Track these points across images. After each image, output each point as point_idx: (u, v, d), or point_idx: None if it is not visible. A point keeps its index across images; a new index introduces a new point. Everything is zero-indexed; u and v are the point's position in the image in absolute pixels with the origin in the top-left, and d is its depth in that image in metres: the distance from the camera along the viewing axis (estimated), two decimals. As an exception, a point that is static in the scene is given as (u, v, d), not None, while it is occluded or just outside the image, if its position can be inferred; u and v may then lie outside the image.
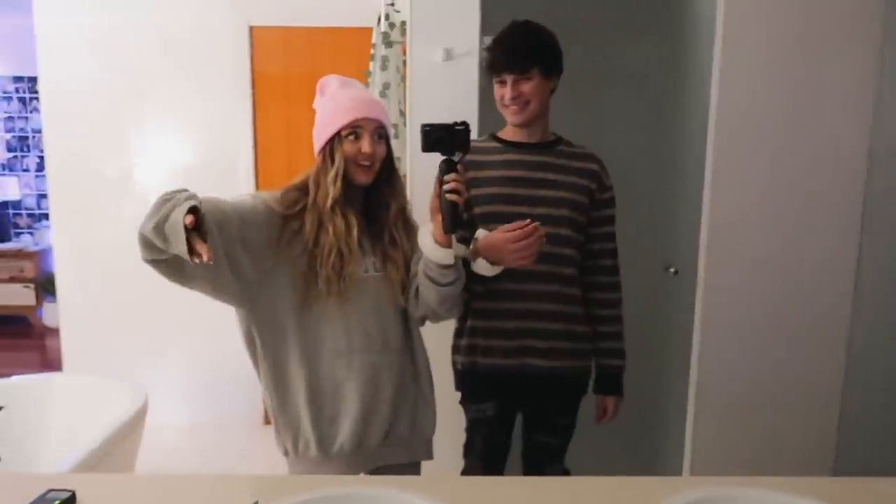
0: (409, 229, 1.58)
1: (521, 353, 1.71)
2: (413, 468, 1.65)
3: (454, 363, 1.79)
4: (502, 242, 1.52)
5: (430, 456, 1.66)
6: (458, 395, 1.83)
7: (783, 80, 2.05)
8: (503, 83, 1.66)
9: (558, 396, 1.78)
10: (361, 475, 1.57)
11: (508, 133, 1.76)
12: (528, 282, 1.66)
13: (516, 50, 1.64)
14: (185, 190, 1.34)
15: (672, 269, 2.39)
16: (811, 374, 2.15)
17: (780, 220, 2.10)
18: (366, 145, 1.48)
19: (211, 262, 1.25)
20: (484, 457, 1.77)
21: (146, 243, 1.32)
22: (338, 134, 1.49)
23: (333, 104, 1.51)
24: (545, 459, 1.79)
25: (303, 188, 1.53)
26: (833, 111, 2.06)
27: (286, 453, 1.58)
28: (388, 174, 1.57)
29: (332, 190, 1.47)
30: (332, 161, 1.49)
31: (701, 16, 2.24)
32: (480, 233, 1.60)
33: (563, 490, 1.24)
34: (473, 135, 1.88)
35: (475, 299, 1.72)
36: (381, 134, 1.52)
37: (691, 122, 2.32)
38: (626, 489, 1.23)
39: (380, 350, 1.54)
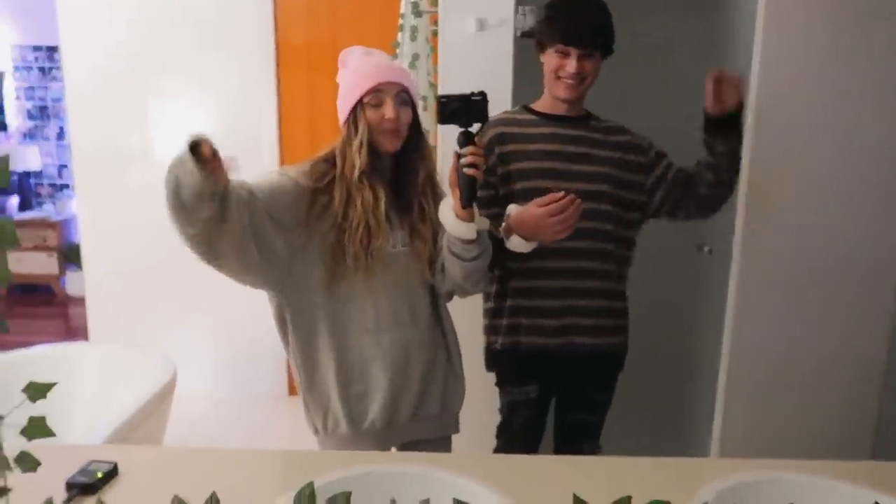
0: (438, 198, 1.54)
1: (566, 332, 1.70)
2: (443, 442, 1.65)
3: (490, 343, 1.77)
4: (537, 217, 1.48)
5: (457, 430, 1.67)
6: (481, 371, 1.81)
7: (827, 53, 1.98)
8: (565, 55, 1.60)
9: (599, 373, 1.77)
10: (396, 451, 1.57)
11: (544, 105, 1.72)
12: (570, 259, 1.64)
13: (589, 24, 1.60)
14: None
15: (706, 248, 2.35)
16: (849, 354, 2.12)
17: (818, 197, 2.05)
18: (389, 110, 1.45)
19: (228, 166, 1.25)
20: (522, 438, 1.76)
21: (174, 201, 1.30)
22: (360, 102, 1.45)
23: (355, 73, 1.48)
24: (582, 437, 1.79)
25: (330, 160, 1.50)
26: (879, 86, 1.99)
27: (316, 432, 1.58)
28: (415, 140, 1.53)
29: (357, 160, 1.45)
30: (356, 130, 1.46)
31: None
32: (512, 208, 1.57)
33: (604, 470, 1.23)
34: (506, 108, 1.85)
35: (513, 278, 1.69)
36: (404, 99, 1.48)
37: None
38: (667, 471, 1.22)
39: (409, 326, 1.53)
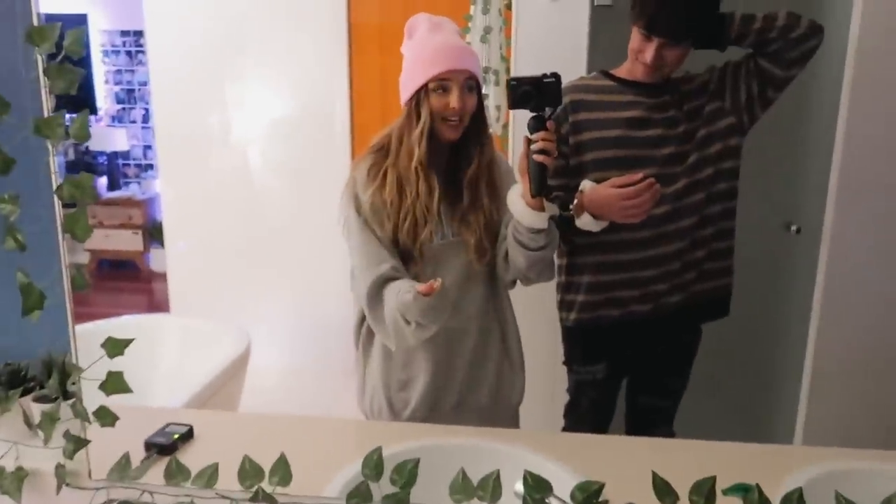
0: (493, 189, 1.49)
1: (656, 297, 1.62)
2: None
3: (562, 320, 1.72)
4: (613, 198, 1.43)
5: (515, 425, 1.60)
6: (554, 361, 1.76)
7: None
8: (648, 40, 1.51)
9: (674, 356, 1.70)
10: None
11: (626, 72, 1.62)
12: (654, 227, 1.54)
13: (677, 15, 1.49)
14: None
15: (794, 228, 2.22)
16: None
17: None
18: (454, 100, 1.39)
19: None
20: (590, 419, 1.71)
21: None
22: (424, 86, 1.39)
23: (421, 51, 1.42)
24: (654, 422, 1.72)
25: (383, 148, 1.47)
26: None
27: (365, 415, 1.58)
28: (477, 128, 1.47)
29: (416, 149, 1.39)
30: (419, 117, 1.40)
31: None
32: (586, 184, 1.50)
33: (683, 453, 1.17)
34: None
35: (588, 252, 1.62)
36: (470, 86, 1.42)
37: (825, 68, 2.11)
38: (750, 457, 1.16)
39: (455, 318, 1.47)
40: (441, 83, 1.39)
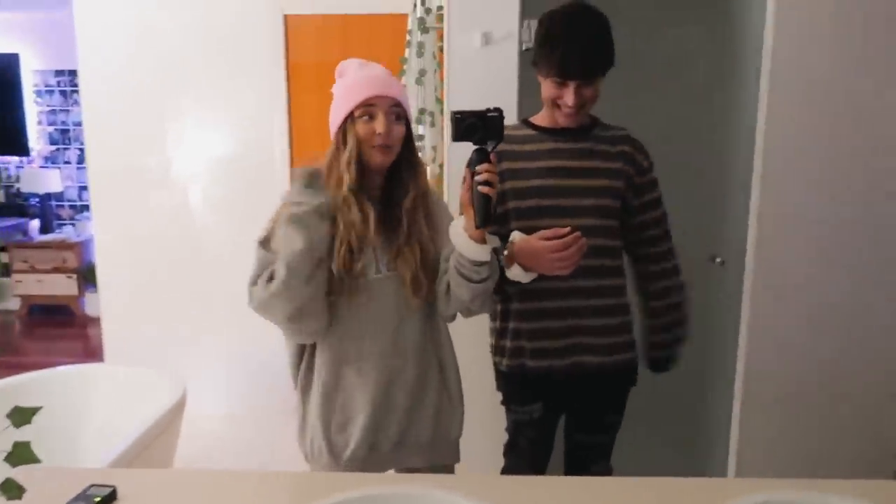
0: (430, 219, 1.49)
1: (573, 352, 1.64)
2: (437, 471, 1.55)
3: (496, 364, 1.73)
4: (541, 251, 1.44)
5: (456, 459, 1.58)
6: (491, 393, 1.77)
7: (839, 62, 1.95)
8: (564, 85, 1.53)
9: (610, 392, 1.72)
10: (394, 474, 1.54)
11: (544, 119, 1.65)
12: (574, 278, 1.55)
13: (590, 55, 1.51)
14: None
15: (718, 260, 2.31)
16: (869, 369, 2.06)
17: (834, 207, 2.01)
18: (380, 125, 1.39)
19: None
20: (528, 458, 1.71)
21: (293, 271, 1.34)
22: (351, 114, 1.40)
23: (346, 85, 1.44)
24: (592, 458, 1.73)
25: (320, 177, 1.45)
26: (892, 88, 1.95)
27: (306, 458, 1.56)
28: (407, 157, 1.47)
29: (346, 176, 1.39)
30: (345, 144, 1.40)
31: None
32: (516, 235, 1.51)
33: (616, 491, 1.19)
34: (512, 121, 1.83)
35: (515, 300, 1.64)
36: (397, 114, 1.43)
37: (740, 107, 2.22)
38: (681, 492, 1.18)
39: (391, 354, 1.47)
40: (367, 109, 1.40)
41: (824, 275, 2.04)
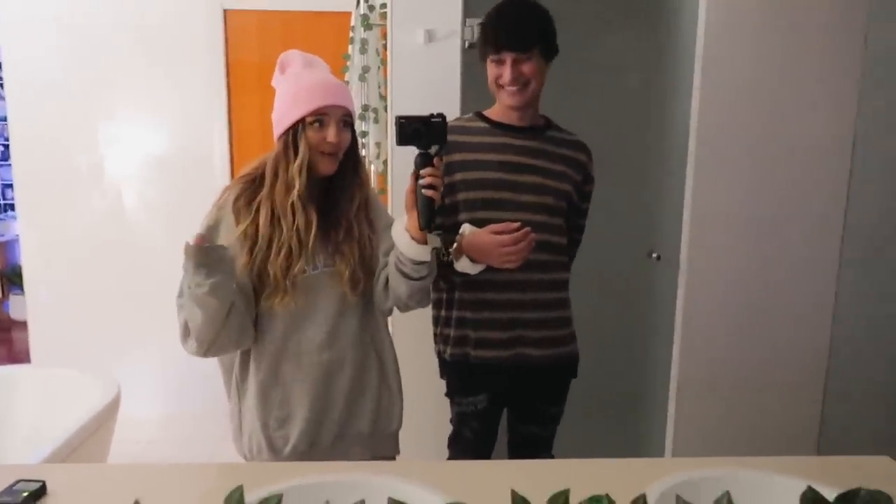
0: (371, 222, 1.51)
1: (515, 344, 1.67)
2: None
3: (439, 353, 1.74)
4: (490, 245, 1.47)
5: (396, 451, 1.59)
6: (433, 386, 1.79)
7: (766, 67, 2.05)
8: (501, 62, 1.57)
9: (551, 385, 1.75)
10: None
11: (498, 114, 1.68)
12: (517, 271, 1.58)
13: (520, 27, 1.56)
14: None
15: (655, 255, 2.39)
16: (795, 357, 2.17)
17: (762, 205, 2.11)
18: (332, 134, 1.40)
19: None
20: (472, 449, 1.73)
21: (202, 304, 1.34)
22: (301, 121, 1.39)
23: (296, 86, 1.42)
24: (535, 450, 1.76)
25: (255, 180, 1.44)
26: (817, 98, 2.07)
27: (245, 456, 1.53)
28: (352, 163, 1.48)
29: (297, 182, 1.38)
30: (296, 151, 1.39)
31: (683, 2, 2.23)
32: (466, 228, 1.54)
33: (552, 472, 1.22)
34: (454, 118, 1.85)
35: (460, 289, 1.66)
36: (346, 122, 1.44)
37: (674, 108, 2.31)
38: (614, 471, 1.21)
39: (329, 349, 1.47)
40: (318, 118, 1.40)
41: (754, 268, 2.13)
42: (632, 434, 2.61)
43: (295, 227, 1.39)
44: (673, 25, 2.37)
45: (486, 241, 1.48)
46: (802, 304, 2.15)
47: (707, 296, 2.13)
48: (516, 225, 1.46)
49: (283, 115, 1.42)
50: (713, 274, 2.13)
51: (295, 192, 1.39)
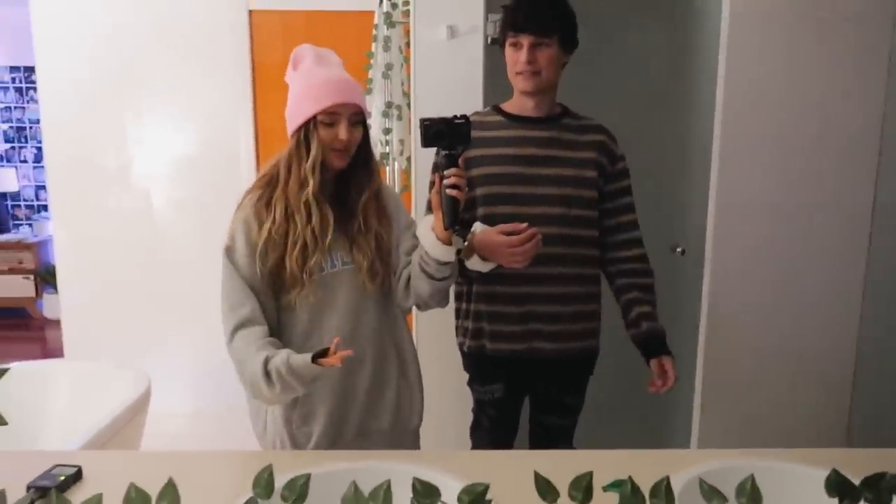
0: (382, 213, 1.52)
1: (529, 337, 1.67)
2: None
3: (460, 345, 1.76)
4: (498, 245, 1.48)
5: (416, 446, 1.61)
6: (459, 381, 1.80)
7: (792, 58, 2.03)
8: (518, 46, 1.59)
9: (566, 378, 1.76)
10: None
11: (514, 106, 1.69)
12: (535, 265, 1.59)
13: (540, 10, 1.57)
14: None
15: (679, 249, 2.37)
16: (823, 349, 2.14)
17: (788, 198, 2.09)
18: (342, 132, 1.41)
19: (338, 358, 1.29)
20: (491, 437, 1.74)
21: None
22: (313, 118, 1.40)
23: (307, 83, 1.43)
24: (554, 440, 1.77)
25: (272, 180, 1.46)
26: (844, 87, 2.04)
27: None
28: (363, 157, 1.50)
29: (310, 180, 1.40)
30: (308, 149, 1.41)
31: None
32: (477, 226, 1.55)
33: (574, 461, 1.22)
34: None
35: (475, 282, 1.67)
36: (357, 119, 1.45)
37: (698, 101, 2.29)
38: (638, 460, 1.22)
39: (350, 345, 1.45)
40: (329, 116, 1.41)
41: (781, 260, 2.11)
42: (656, 429, 2.59)
43: (310, 223, 1.41)
44: (695, 16, 2.35)
45: (494, 241, 1.49)
46: (830, 296, 2.12)
47: (733, 289, 2.12)
48: (524, 225, 1.46)
49: (295, 113, 1.44)
50: (739, 267, 2.11)
51: (309, 190, 1.41)
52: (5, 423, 0.76)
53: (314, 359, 1.28)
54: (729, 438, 2.16)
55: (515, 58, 1.61)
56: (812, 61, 2.03)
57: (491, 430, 1.74)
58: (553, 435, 1.77)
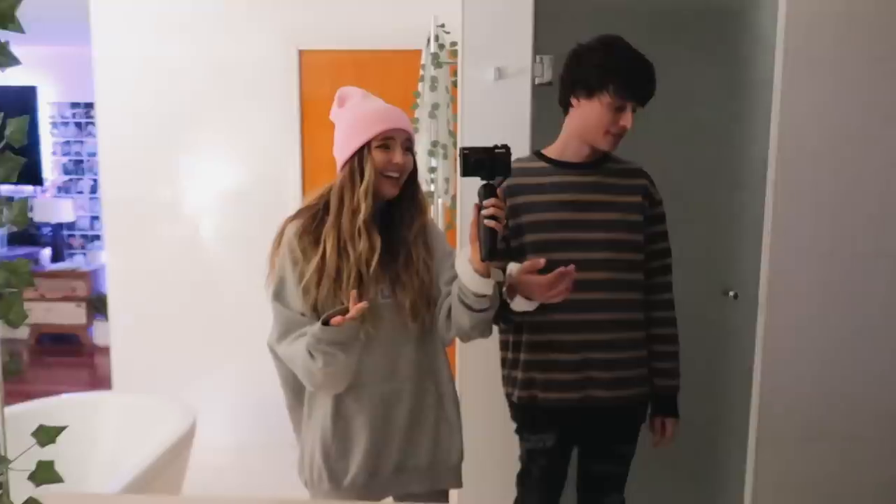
0: (429, 248, 1.51)
1: (584, 386, 1.64)
2: (437, 497, 1.56)
3: (508, 395, 1.73)
4: (533, 283, 1.44)
5: (458, 484, 1.58)
6: (504, 417, 1.76)
7: (850, 93, 1.97)
8: (622, 109, 1.56)
9: (620, 425, 1.71)
10: None
11: (556, 151, 1.68)
12: (587, 311, 1.57)
13: (652, 80, 1.57)
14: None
15: (731, 293, 2.30)
16: (889, 401, 2.03)
17: (848, 242, 2.01)
18: (398, 156, 1.43)
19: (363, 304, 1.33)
20: (541, 487, 1.70)
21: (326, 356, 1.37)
22: (367, 145, 1.42)
23: (360, 114, 1.45)
24: (605, 490, 1.72)
25: (318, 212, 1.47)
26: (901, 127, 1.97)
27: (306, 484, 1.56)
28: (411, 189, 1.51)
29: (363, 205, 1.41)
30: (362, 174, 1.42)
31: (761, 28, 2.18)
32: (512, 266, 1.51)
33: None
34: (524, 154, 1.85)
35: (527, 331, 1.64)
36: (408, 147, 1.47)
37: (752, 139, 2.24)
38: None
39: (390, 380, 1.48)
40: (384, 141, 1.43)
41: (838, 308, 2.02)
42: (707, 482, 2.50)
43: (362, 252, 1.41)
44: (748, 54, 2.32)
45: (524, 281, 1.46)
46: (894, 348, 2.03)
47: (789, 337, 2.03)
48: (542, 262, 1.42)
49: (347, 141, 1.45)
50: (795, 313, 2.03)
51: (361, 216, 1.41)
52: (61, 481, 0.76)
53: (327, 322, 1.33)
54: (784, 495, 2.06)
55: (614, 119, 1.57)
56: (867, 100, 1.97)
57: (541, 480, 1.70)
58: (605, 485, 1.72)
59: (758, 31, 2.23)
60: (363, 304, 1.30)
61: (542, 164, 1.68)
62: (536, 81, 2.14)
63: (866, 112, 1.97)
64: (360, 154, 1.43)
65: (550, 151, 1.70)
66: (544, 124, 1.94)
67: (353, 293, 1.33)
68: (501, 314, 1.53)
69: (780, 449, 2.06)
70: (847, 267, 2.01)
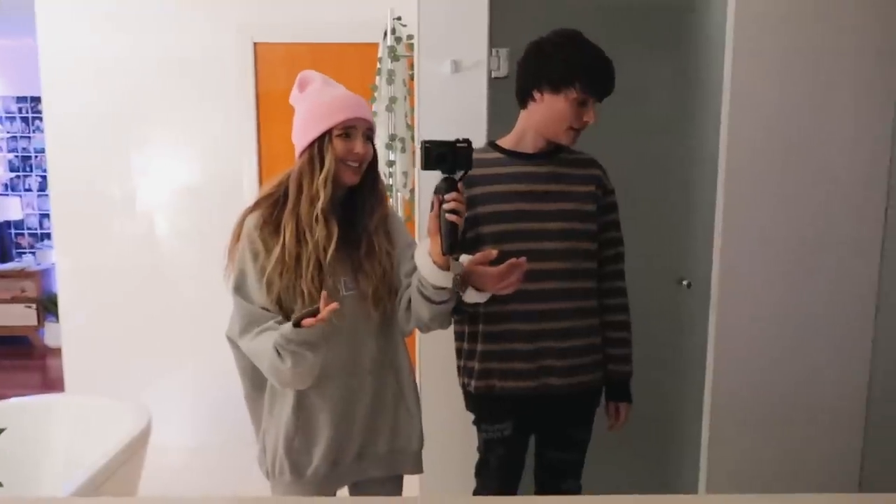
0: (390, 237, 1.52)
1: (540, 374, 1.65)
2: (392, 482, 1.59)
3: (464, 385, 1.74)
4: (483, 275, 1.43)
5: (418, 469, 1.59)
6: (459, 407, 1.78)
7: (797, 90, 2.03)
8: (585, 104, 1.58)
9: (576, 412, 1.74)
10: (347, 495, 1.55)
11: (511, 142, 1.69)
12: (543, 301, 1.59)
13: (613, 76, 1.59)
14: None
15: (685, 282, 2.36)
16: (833, 387, 2.11)
17: (796, 230, 2.07)
18: (359, 145, 1.43)
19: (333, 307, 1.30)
20: (499, 477, 1.71)
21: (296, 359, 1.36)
22: (328, 132, 1.41)
23: (321, 101, 1.44)
24: (562, 476, 1.74)
25: (277, 201, 1.45)
26: (851, 120, 2.03)
27: (267, 475, 1.56)
28: (371, 179, 1.51)
29: (322, 193, 1.40)
30: (321, 162, 1.41)
31: (712, 27, 2.23)
32: (464, 258, 1.50)
33: (586, 509, 1.20)
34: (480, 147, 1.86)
35: (483, 322, 1.65)
36: (369, 136, 1.47)
37: (703, 134, 2.29)
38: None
39: (352, 372, 1.49)
40: (346, 129, 1.42)
41: (789, 294, 2.09)
42: (662, 466, 2.55)
43: (319, 240, 1.40)
44: (701, 49, 2.36)
45: (473, 272, 1.45)
46: (840, 331, 2.10)
47: (740, 323, 2.09)
48: (494, 253, 1.42)
49: (308, 128, 1.44)
50: (746, 300, 2.09)
51: (319, 204, 1.40)
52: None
53: (298, 323, 1.31)
54: (738, 476, 2.13)
55: (577, 114, 1.59)
56: (817, 93, 2.03)
57: (499, 469, 1.71)
58: (561, 471, 1.75)
59: (709, 29, 2.27)
60: (334, 305, 1.29)
61: (497, 154, 1.69)
62: (493, 75, 2.15)
63: (813, 110, 2.04)
64: (320, 142, 1.42)
65: (505, 142, 1.70)
66: (500, 117, 1.95)
67: (325, 294, 1.32)
68: (456, 307, 1.53)
69: (732, 429, 2.12)
70: (796, 255, 2.08)
